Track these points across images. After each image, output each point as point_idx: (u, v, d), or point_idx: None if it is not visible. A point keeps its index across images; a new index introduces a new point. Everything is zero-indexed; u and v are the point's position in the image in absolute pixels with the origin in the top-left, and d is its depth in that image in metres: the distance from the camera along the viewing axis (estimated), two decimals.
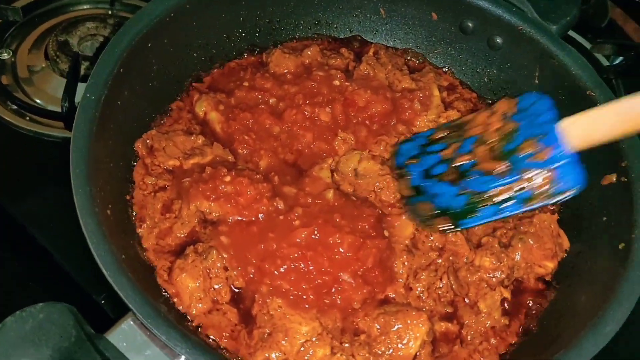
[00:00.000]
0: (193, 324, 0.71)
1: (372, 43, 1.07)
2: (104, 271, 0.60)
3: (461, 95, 1.02)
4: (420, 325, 0.72)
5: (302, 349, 0.70)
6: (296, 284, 0.73)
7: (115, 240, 0.65)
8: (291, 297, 0.73)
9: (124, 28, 0.81)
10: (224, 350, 0.69)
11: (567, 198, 0.70)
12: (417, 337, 0.71)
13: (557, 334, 0.71)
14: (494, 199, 0.73)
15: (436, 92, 0.97)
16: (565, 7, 0.98)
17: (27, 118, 1.09)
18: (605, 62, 1.36)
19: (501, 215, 0.74)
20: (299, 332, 0.70)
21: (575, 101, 0.90)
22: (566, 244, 0.85)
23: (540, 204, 0.72)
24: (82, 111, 0.72)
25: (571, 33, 1.40)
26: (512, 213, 0.73)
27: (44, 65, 1.18)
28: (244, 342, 0.71)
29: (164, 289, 0.73)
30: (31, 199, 1.01)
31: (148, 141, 0.85)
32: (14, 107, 1.10)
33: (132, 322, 0.61)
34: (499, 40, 0.99)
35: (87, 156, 0.68)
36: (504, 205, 0.73)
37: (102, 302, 0.88)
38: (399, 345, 0.71)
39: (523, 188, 0.72)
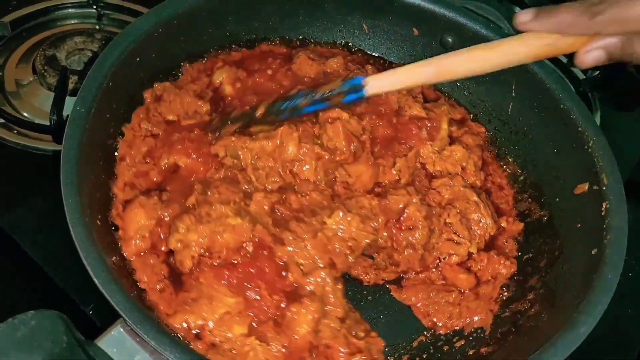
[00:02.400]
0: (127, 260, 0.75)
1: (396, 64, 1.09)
2: (95, 279, 0.62)
3: (470, 129, 1.03)
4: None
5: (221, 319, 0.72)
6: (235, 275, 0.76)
7: (105, 248, 0.67)
8: (224, 280, 0.75)
9: (113, 43, 0.83)
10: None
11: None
12: None
13: (534, 336, 0.74)
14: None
15: (445, 126, 0.98)
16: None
17: (15, 131, 1.10)
18: (581, 76, 1.40)
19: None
20: (223, 302, 0.72)
21: (550, 113, 0.94)
22: None
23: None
24: (73, 123, 0.73)
25: None
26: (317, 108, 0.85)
27: (31, 79, 1.19)
28: (167, 300, 0.73)
29: (113, 222, 0.77)
30: (19, 210, 1.01)
31: (158, 92, 0.90)
32: (2, 120, 1.11)
33: (121, 329, 0.63)
34: None
35: (77, 166, 0.69)
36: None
37: (90, 312, 0.89)
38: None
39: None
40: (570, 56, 1.37)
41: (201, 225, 0.76)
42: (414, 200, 0.88)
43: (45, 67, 1.18)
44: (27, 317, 0.60)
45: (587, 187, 0.85)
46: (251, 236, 0.77)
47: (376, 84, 0.81)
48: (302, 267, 0.78)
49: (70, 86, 1.14)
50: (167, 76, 0.95)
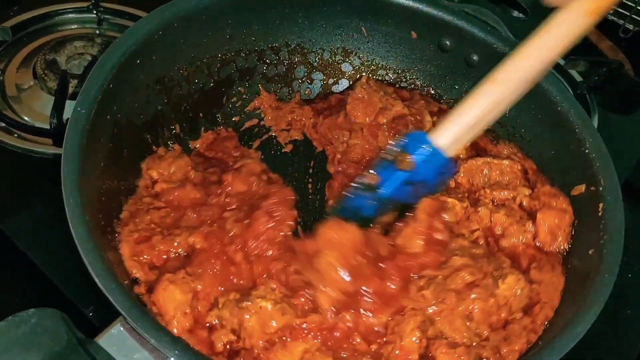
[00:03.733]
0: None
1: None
2: (95, 278, 0.62)
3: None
4: None
5: None
6: None
7: (105, 248, 0.67)
8: None
9: (113, 46, 0.84)
10: None
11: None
12: None
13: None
14: None
15: (428, 117, 1.01)
16: (538, 27, 1.03)
17: (16, 135, 1.11)
18: (579, 78, 1.41)
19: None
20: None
21: (547, 115, 0.95)
22: None
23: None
24: (73, 124, 0.74)
25: None
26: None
27: (32, 84, 1.20)
28: None
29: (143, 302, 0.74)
30: (19, 213, 1.02)
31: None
32: (2, 124, 1.12)
33: (121, 327, 0.63)
34: (475, 57, 1.04)
35: (78, 167, 0.70)
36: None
37: (90, 314, 0.89)
38: None
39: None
40: (568, 58, 1.40)
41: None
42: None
43: (46, 72, 1.19)
44: (27, 315, 0.60)
45: (584, 189, 0.85)
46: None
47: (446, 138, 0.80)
48: None
49: (71, 90, 1.15)
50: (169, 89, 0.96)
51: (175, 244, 0.80)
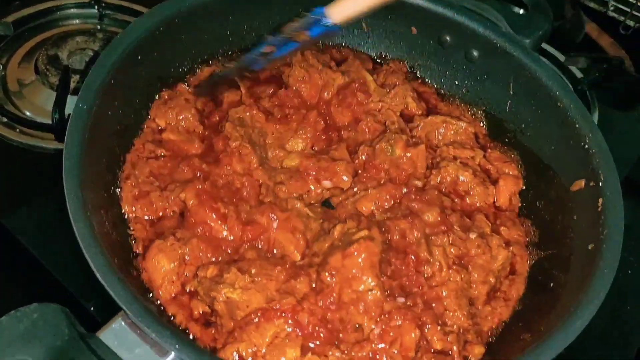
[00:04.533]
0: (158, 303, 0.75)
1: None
2: (96, 273, 0.63)
3: (390, 69, 1.08)
4: None
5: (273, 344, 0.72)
6: None
7: (107, 243, 0.68)
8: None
9: (114, 41, 0.84)
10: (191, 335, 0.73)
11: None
12: None
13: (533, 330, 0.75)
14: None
15: (369, 77, 1.02)
16: (538, 22, 1.04)
17: (17, 130, 1.11)
18: (579, 75, 1.41)
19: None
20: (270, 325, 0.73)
21: (547, 110, 0.95)
22: None
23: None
24: (75, 120, 0.74)
25: (547, 47, 1.45)
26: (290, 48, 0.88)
27: (33, 79, 1.20)
28: (211, 335, 0.74)
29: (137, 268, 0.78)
30: (21, 208, 1.02)
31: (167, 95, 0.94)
32: (4, 119, 1.12)
33: (122, 322, 0.64)
34: (475, 53, 1.04)
35: (79, 163, 0.70)
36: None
37: (92, 308, 0.90)
38: None
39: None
40: (569, 55, 1.40)
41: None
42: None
43: (48, 67, 1.19)
44: (29, 310, 0.61)
45: (583, 184, 0.85)
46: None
47: (339, 10, 0.83)
48: None
49: (72, 85, 1.15)
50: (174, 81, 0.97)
51: (170, 200, 0.84)
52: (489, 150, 1.01)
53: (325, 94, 1.01)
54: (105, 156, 0.80)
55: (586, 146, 0.87)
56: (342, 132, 0.99)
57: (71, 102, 1.08)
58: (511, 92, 1.01)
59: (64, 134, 1.02)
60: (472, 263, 0.84)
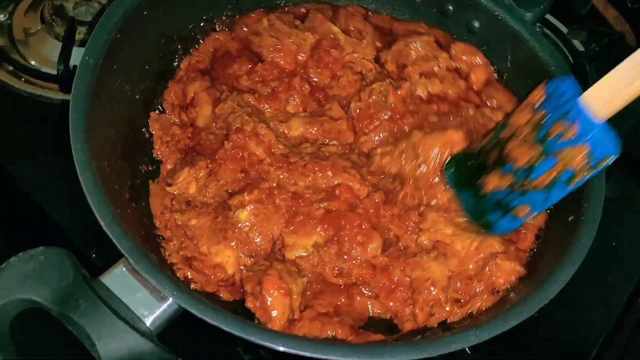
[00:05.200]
0: None
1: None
2: (100, 221, 0.66)
3: (348, 12, 1.08)
4: None
5: None
6: None
7: (111, 193, 0.71)
8: None
9: None
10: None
11: (607, 165, 0.74)
12: None
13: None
14: (538, 188, 0.77)
15: (334, 29, 1.02)
16: None
17: (23, 79, 1.13)
18: (580, 48, 1.42)
19: (551, 202, 0.77)
20: None
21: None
22: None
23: (584, 178, 0.75)
24: (81, 73, 0.76)
25: (550, 18, 1.46)
26: (560, 196, 0.77)
27: (39, 28, 1.21)
28: None
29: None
30: (25, 155, 1.06)
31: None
32: (10, 68, 1.14)
33: (124, 268, 0.68)
34: (476, 24, 1.05)
35: (85, 115, 0.73)
36: (551, 191, 0.76)
37: (94, 255, 0.94)
38: None
39: (562, 169, 0.75)
40: (571, 27, 1.41)
41: None
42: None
43: (53, 17, 1.20)
44: (36, 253, 0.65)
45: None
46: None
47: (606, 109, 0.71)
48: None
49: (78, 37, 1.16)
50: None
51: None
52: (453, 46, 1.03)
53: (300, 57, 1.01)
54: (111, 109, 0.83)
55: None
56: (327, 91, 1.00)
57: (76, 53, 1.11)
58: (509, 65, 1.03)
59: (68, 85, 1.05)
60: None
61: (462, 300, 0.81)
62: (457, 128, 0.88)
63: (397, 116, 0.94)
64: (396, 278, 0.82)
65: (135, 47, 0.87)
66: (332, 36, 1.01)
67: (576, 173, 0.75)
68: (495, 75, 1.04)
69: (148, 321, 0.66)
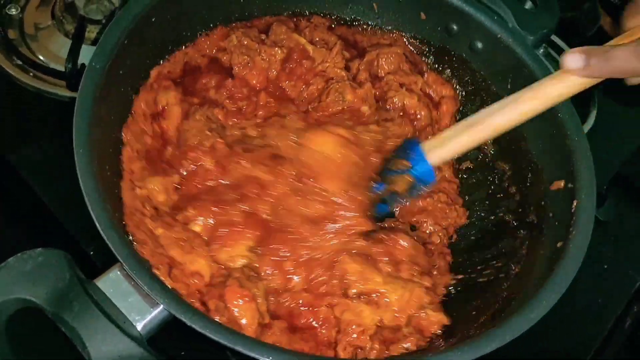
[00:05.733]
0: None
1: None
2: (98, 226, 0.68)
3: (311, 24, 1.09)
4: None
5: None
6: None
7: (110, 198, 0.73)
8: None
9: (130, 2, 0.87)
10: None
11: (422, 192, 0.93)
12: None
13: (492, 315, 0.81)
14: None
15: (303, 40, 1.03)
16: (544, 20, 1.05)
17: (31, 74, 1.15)
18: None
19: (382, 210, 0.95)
20: None
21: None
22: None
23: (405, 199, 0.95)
24: (88, 77, 0.78)
25: (556, 39, 1.47)
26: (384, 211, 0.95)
27: (49, 24, 1.23)
28: None
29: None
30: (29, 149, 1.08)
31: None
32: (19, 62, 1.16)
33: (119, 272, 0.69)
34: (479, 45, 1.06)
35: (89, 119, 0.75)
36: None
37: (92, 252, 0.96)
38: None
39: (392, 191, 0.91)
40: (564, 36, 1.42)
41: None
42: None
43: (64, 14, 1.22)
44: (35, 254, 0.66)
45: (562, 184, 0.90)
46: None
47: (437, 154, 0.88)
48: None
49: (87, 35, 1.18)
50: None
51: None
52: (426, 74, 1.09)
53: (270, 73, 1.01)
54: (115, 114, 0.84)
55: (571, 148, 0.91)
56: (295, 101, 1.01)
57: (85, 51, 1.13)
58: (509, 87, 1.04)
59: (75, 83, 1.07)
60: None
61: (388, 342, 0.81)
62: None
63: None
64: (322, 316, 0.81)
65: (142, 53, 0.89)
66: (300, 47, 1.02)
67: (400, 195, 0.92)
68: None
69: (139, 326, 0.67)
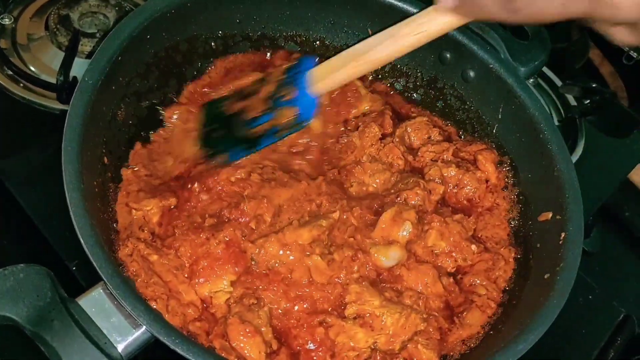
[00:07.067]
0: None
1: None
2: (83, 243, 0.67)
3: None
4: None
5: None
6: None
7: (96, 214, 0.72)
8: None
9: (126, 19, 0.87)
10: None
11: (303, 127, 0.92)
12: None
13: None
14: (253, 136, 0.92)
15: (358, 82, 1.06)
16: (536, 52, 1.07)
17: (22, 85, 1.14)
18: (573, 102, 1.46)
19: (258, 148, 0.92)
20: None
21: (530, 139, 0.99)
22: None
23: (286, 133, 0.92)
24: (80, 93, 0.77)
25: (546, 71, 1.49)
26: (267, 144, 0.93)
27: (42, 35, 1.22)
28: None
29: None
30: (15, 159, 1.06)
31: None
32: (10, 72, 1.15)
33: (102, 291, 0.68)
34: (471, 74, 1.07)
35: (79, 135, 0.74)
36: (260, 140, 0.92)
37: (74, 268, 0.94)
38: None
39: (274, 124, 0.91)
40: (565, 83, 1.44)
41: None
42: None
43: (58, 26, 1.21)
44: (17, 270, 0.65)
45: (550, 216, 0.90)
46: None
47: (321, 85, 0.88)
48: None
49: (80, 48, 1.18)
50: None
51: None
52: (453, 137, 1.09)
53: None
54: (105, 130, 0.84)
55: (560, 181, 0.91)
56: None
57: (77, 64, 1.12)
58: (499, 117, 1.05)
59: (65, 95, 1.06)
60: None
61: None
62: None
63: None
64: (318, 338, 0.80)
65: (133, 70, 0.89)
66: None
67: (282, 128, 0.91)
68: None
69: (120, 347, 0.66)
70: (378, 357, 0.80)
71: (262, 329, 0.76)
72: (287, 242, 0.83)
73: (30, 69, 1.18)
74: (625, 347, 1.13)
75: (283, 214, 0.87)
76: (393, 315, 0.81)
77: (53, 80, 1.11)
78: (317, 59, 0.92)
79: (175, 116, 0.97)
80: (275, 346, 0.78)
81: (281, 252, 0.82)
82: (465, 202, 1.00)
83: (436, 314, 0.85)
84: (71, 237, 0.69)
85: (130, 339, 0.67)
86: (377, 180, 0.98)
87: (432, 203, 0.96)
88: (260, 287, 0.81)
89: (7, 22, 1.22)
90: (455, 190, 1.00)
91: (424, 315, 0.83)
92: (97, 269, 0.65)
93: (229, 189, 0.88)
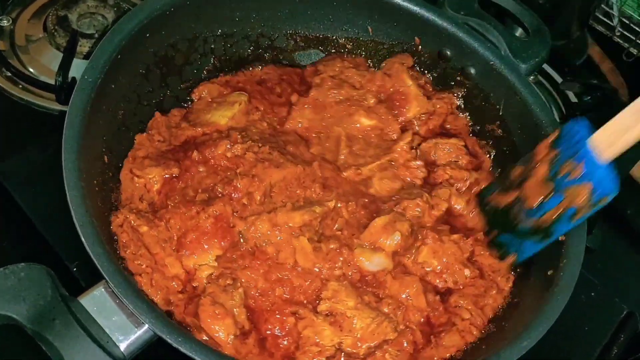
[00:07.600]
0: None
1: None
2: (84, 242, 0.66)
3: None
4: None
5: None
6: None
7: (96, 213, 0.72)
8: None
9: (125, 17, 0.87)
10: None
11: (606, 204, 0.78)
12: None
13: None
14: (544, 225, 0.83)
15: (409, 82, 1.06)
16: (536, 49, 1.07)
17: (20, 86, 1.14)
18: (573, 99, 1.45)
19: (553, 237, 0.83)
20: None
21: (531, 136, 0.98)
22: None
23: (586, 215, 0.80)
24: (79, 91, 0.77)
25: (546, 67, 1.49)
26: (563, 232, 0.82)
27: (41, 36, 1.22)
28: None
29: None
30: (15, 161, 1.05)
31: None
32: (8, 73, 1.15)
33: (103, 290, 0.68)
34: (472, 70, 1.07)
35: (79, 134, 0.74)
36: (553, 228, 0.82)
37: (74, 269, 0.94)
38: None
39: (568, 206, 0.80)
40: (565, 79, 1.44)
41: None
42: None
43: (56, 27, 1.21)
44: (17, 269, 0.65)
45: None
46: None
47: (613, 150, 0.75)
48: None
49: (79, 49, 1.17)
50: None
51: None
52: (480, 173, 1.03)
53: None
54: (105, 128, 0.83)
55: None
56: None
57: (76, 65, 1.11)
58: (500, 114, 1.04)
59: (64, 96, 1.06)
60: None
61: None
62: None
63: None
64: (287, 327, 0.79)
65: (133, 69, 0.88)
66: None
67: (579, 210, 0.79)
68: None
69: (122, 346, 0.66)
70: (342, 358, 0.79)
71: (235, 310, 0.76)
72: (278, 223, 0.83)
73: (29, 70, 1.17)
74: (628, 344, 1.13)
75: (276, 195, 0.87)
76: (364, 320, 0.79)
77: (52, 81, 1.11)
78: (587, 122, 0.81)
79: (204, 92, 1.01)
80: (247, 326, 0.77)
81: (269, 232, 0.83)
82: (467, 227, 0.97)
83: (414, 327, 0.83)
84: (71, 237, 0.68)
85: (132, 337, 0.66)
86: (385, 187, 0.97)
87: (432, 218, 0.94)
88: (243, 265, 0.81)
89: (5, 24, 1.22)
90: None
91: (400, 327, 0.81)
92: (99, 267, 0.65)
93: (224, 164, 0.88)
